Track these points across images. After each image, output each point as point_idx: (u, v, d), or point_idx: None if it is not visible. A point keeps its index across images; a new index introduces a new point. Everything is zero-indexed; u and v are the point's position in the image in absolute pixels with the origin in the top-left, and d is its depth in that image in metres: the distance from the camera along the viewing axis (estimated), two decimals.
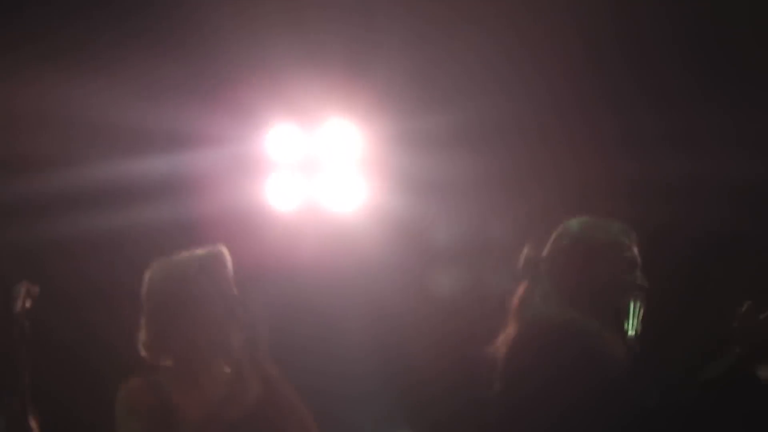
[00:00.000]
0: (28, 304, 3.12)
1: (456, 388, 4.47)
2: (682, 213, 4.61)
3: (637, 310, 2.67)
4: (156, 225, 4.70)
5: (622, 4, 4.50)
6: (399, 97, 4.93)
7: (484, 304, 4.01)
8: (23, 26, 4.59)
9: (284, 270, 4.89)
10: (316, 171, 5.09)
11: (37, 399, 3.91)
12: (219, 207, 4.84)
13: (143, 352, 3.19)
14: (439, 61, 4.95)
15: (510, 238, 4.48)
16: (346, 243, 5.05)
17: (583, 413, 2.57)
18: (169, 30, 4.67)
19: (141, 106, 4.71)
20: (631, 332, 2.62)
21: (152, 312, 3.17)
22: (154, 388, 3.11)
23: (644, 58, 4.64)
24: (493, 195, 4.99)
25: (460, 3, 4.68)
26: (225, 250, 3.23)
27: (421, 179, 4.94)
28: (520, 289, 2.92)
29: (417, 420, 4.88)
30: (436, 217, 4.99)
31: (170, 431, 3.05)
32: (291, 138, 5.08)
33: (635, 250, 2.89)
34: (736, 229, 4.64)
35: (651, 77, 4.69)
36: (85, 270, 4.83)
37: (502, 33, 4.67)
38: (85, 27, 4.60)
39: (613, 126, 4.84)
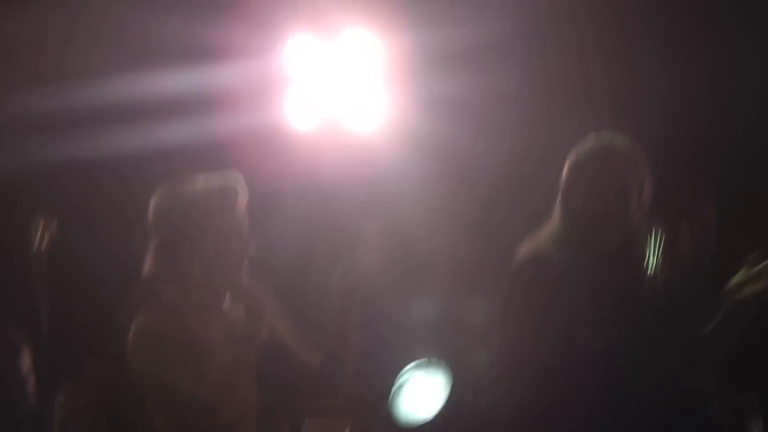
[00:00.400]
0: (46, 240, 3.07)
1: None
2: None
3: (658, 244, 2.54)
4: (171, 144, 4.53)
5: None
6: (421, 7, 4.74)
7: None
8: None
9: (303, 191, 4.77)
10: (335, 86, 4.87)
11: (58, 327, 3.89)
12: (236, 125, 4.67)
13: (151, 282, 3.09)
14: None
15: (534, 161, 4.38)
16: (368, 163, 4.88)
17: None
18: None
19: (153, 20, 4.52)
20: (651, 268, 2.50)
21: (160, 239, 3.08)
22: (172, 320, 3.03)
23: None
24: (520, 111, 4.84)
25: None
26: (239, 178, 3.13)
27: (447, 96, 4.76)
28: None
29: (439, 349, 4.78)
30: (461, 138, 4.83)
31: (195, 363, 2.98)
32: (310, 50, 4.85)
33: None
34: None
35: None
36: (100, 191, 4.72)
37: None
38: None
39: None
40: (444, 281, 4.83)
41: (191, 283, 3.05)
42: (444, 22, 4.71)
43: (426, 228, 4.89)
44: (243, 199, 3.12)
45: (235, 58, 4.72)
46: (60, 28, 4.57)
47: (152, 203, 3.13)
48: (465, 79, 4.71)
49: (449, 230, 4.86)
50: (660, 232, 2.63)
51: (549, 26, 4.68)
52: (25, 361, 3.73)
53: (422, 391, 4.45)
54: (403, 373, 4.64)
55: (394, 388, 4.49)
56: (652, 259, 2.59)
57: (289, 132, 4.88)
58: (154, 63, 4.62)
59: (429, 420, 4.38)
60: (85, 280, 4.52)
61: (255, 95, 4.80)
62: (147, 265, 3.10)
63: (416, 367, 4.65)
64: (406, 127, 4.82)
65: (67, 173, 4.63)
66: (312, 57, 4.84)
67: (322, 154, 4.83)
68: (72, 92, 4.51)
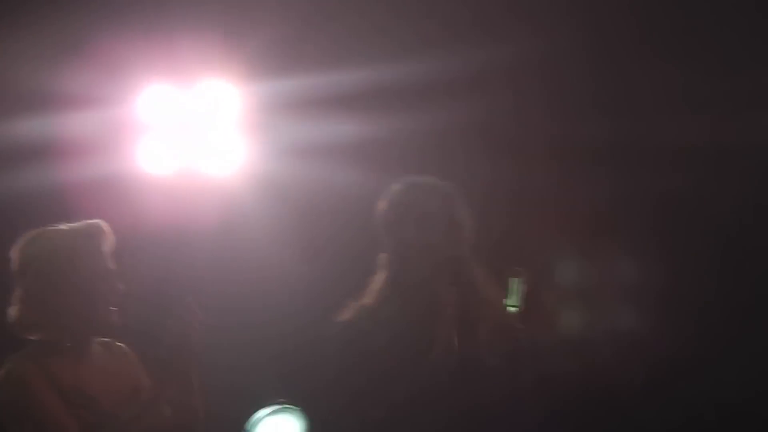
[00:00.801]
0: None
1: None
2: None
3: (518, 286, 2.64)
4: (24, 192, 4.52)
5: None
6: (277, 58, 4.84)
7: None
8: None
9: (161, 236, 4.77)
10: (192, 134, 4.92)
11: None
12: (90, 171, 4.67)
13: (17, 328, 3.05)
14: (317, 22, 4.88)
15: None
16: (225, 208, 4.93)
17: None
18: None
19: (4, 65, 4.50)
20: (513, 308, 2.59)
21: (28, 285, 3.04)
22: (45, 369, 2.98)
23: None
24: (375, 158, 4.94)
25: None
26: (103, 224, 3.13)
27: (302, 143, 4.85)
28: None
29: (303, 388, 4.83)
30: (317, 181, 4.91)
31: (78, 405, 2.96)
32: (166, 99, 4.89)
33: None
34: None
35: None
36: None
37: None
38: None
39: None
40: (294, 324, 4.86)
41: (59, 329, 3.02)
42: (298, 71, 4.81)
43: (278, 268, 4.95)
44: (110, 243, 3.11)
45: (91, 106, 4.73)
46: None
47: (17, 249, 3.09)
48: (318, 126, 4.82)
49: (299, 270, 4.91)
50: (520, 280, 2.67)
51: (408, 78, 4.80)
52: None
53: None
54: (255, 418, 4.68)
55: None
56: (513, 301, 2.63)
57: (145, 178, 4.89)
58: (9, 109, 4.58)
59: None
60: None
61: (110, 142, 4.81)
62: (14, 312, 3.06)
63: (270, 411, 4.70)
64: (260, 172, 4.91)
65: None
66: (168, 105, 4.89)
67: (177, 199, 4.85)
68: None
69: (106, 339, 3.16)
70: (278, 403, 5.02)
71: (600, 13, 4.65)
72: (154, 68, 4.85)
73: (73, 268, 3.02)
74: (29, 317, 3.04)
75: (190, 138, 4.91)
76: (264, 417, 4.70)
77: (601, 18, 4.67)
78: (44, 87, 4.56)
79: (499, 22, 4.75)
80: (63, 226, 3.11)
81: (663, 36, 4.70)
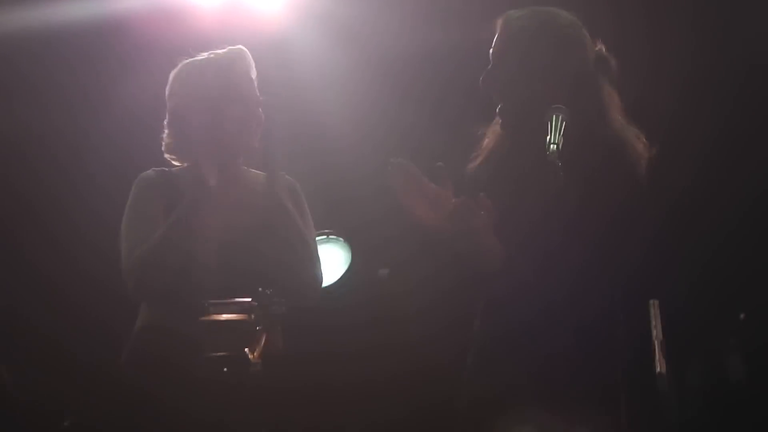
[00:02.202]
0: None
1: None
2: None
3: (559, 123, 2.60)
4: (77, 23, 4.52)
5: None
6: None
7: None
8: None
9: None
10: None
11: None
12: (142, 3, 4.65)
13: (166, 153, 3.21)
14: None
15: None
16: (273, 41, 4.85)
17: None
18: None
19: None
20: (552, 146, 2.56)
21: (174, 111, 3.15)
22: (169, 185, 3.11)
23: None
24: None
25: None
26: (246, 51, 3.19)
27: None
28: None
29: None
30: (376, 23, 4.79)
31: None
32: None
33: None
34: None
35: None
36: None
37: None
38: None
39: None
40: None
41: (204, 151, 3.10)
42: None
43: (336, 112, 4.91)
44: (252, 69, 3.18)
45: None
46: None
47: (172, 74, 3.19)
48: None
49: (360, 117, 4.87)
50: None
51: None
52: None
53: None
54: None
55: None
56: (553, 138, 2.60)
57: (194, 9, 4.85)
58: None
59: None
60: None
61: None
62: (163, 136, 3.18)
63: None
64: (315, 7, 4.82)
65: None
66: None
67: (227, 31, 4.81)
68: None
69: (256, 170, 3.20)
70: (324, 234, 5.11)
71: None
72: None
73: (212, 94, 3.08)
74: (172, 142, 3.18)
75: None
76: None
77: None
78: None
79: None
80: (209, 54, 3.18)
81: None
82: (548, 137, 2.58)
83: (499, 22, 2.86)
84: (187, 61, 3.20)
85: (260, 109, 3.12)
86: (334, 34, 4.86)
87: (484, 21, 2.87)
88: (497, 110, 2.84)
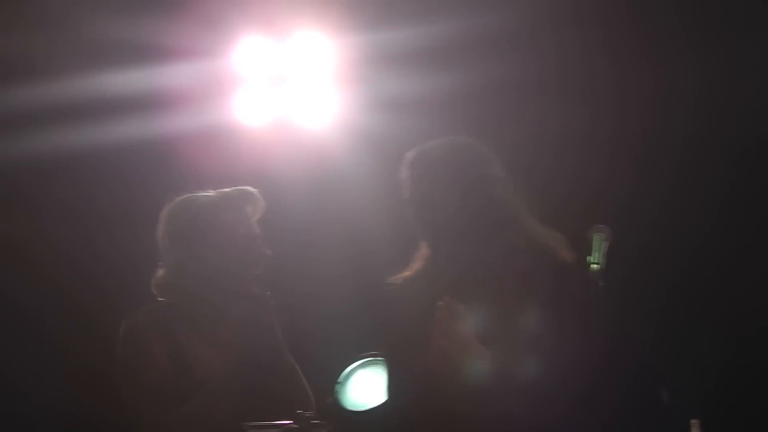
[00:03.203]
0: None
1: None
2: None
3: (601, 243, 2.59)
4: (124, 142, 4.58)
5: None
6: (372, 9, 4.80)
7: None
8: None
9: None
10: (286, 86, 4.94)
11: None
12: (186, 124, 4.70)
13: (157, 290, 3.10)
14: None
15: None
16: (318, 159, 4.94)
17: None
18: None
19: (108, 19, 4.54)
20: (595, 266, 2.55)
21: (171, 247, 3.06)
22: (162, 326, 3.01)
23: None
24: (468, 111, 4.89)
25: None
26: (252, 190, 3.14)
27: (395, 95, 4.82)
28: None
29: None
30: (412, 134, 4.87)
31: (183, 378, 2.96)
32: (261, 51, 4.92)
33: None
34: None
35: None
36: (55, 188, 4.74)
37: None
38: None
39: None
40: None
41: (198, 289, 3.03)
42: (393, 23, 4.77)
43: (375, 225, 4.93)
44: (257, 209, 3.13)
45: (187, 58, 4.75)
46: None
47: (164, 212, 3.12)
48: (414, 79, 4.78)
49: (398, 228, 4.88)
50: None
51: (498, 28, 4.74)
52: None
53: (366, 383, 4.52)
54: (347, 370, 4.71)
55: (339, 383, 4.56)
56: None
57: (240, 129, 4.93)
58: (109, 62, 4.63)
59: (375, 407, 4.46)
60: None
61: (205, 94, 4.85)
62: (157, 273, 3.09)
63: (360, 363, 4.72)
64: (355, 125, 4.90)
65: (21, 170, 4.64)
66: (263, 57, 4.91)
67: (273, 150, 4.87)
68: (26, 91, 4.51)
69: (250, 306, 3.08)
70: (368, 356, 5.05)
71: None
72: (250, 20, 4.86)
73: (211, 231, 3.02)
74: (166, 278, 3.07)
75: (284, 90, 4.93)
76: (356, 369, 4.72)
77: None
78: (141, 39, 4.59)
79: None
80: (211, 192, 3.12)
81: None
82: (589, 257, 2.58)
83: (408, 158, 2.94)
84: (181, 199, 3.13)
85: (254, 249, 3.07)
86: (379, 151, 4.92)
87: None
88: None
